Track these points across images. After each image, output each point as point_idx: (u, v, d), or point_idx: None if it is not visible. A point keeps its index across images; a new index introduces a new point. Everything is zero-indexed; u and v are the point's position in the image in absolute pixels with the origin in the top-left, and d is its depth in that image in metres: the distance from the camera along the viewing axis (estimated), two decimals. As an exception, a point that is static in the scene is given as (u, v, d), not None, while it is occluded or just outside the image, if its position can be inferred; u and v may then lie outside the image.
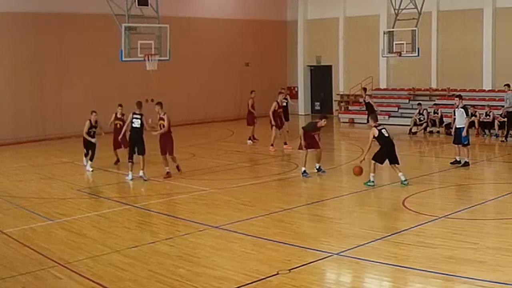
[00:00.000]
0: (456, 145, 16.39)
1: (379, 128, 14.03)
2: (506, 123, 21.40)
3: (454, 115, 16.50)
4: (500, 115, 22.25)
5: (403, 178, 13.82)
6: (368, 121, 15.36)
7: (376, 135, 13.92)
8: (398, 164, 13.99)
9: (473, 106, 23.24)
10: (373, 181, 13.93)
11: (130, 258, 9.14)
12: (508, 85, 21.25)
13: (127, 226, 11.15)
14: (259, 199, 13.14)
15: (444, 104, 24.94)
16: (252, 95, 22.29)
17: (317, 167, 15.75)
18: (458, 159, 16.31)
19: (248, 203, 12.79)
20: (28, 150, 21.80)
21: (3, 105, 23.30)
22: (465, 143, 16.15)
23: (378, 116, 27.23)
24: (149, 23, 19.36)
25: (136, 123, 15.24)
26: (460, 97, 16.84)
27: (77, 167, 17.79)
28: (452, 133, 16.87)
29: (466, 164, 16.17)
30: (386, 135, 14.06)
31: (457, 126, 16.25)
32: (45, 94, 24.37)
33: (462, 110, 16.21)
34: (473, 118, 22.63)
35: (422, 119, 24.16)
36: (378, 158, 14.01)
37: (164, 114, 15.46)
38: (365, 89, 24.54)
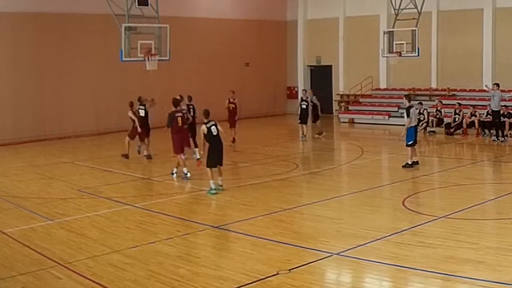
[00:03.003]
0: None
1: (208, 125, 13.36)
2: (494, 122, 21.26)
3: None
4: (487, 114, 22.15)
5: (213, 186, 13.32)
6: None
7: (205, 133, 13.31)
8: (221, 165, 13.47)
9: (473, 106, 23.30)
10: (215, 189, 13.40)
11: (130, 258, 9.14)
12: (497, 85, 21.18)
13: (127, 226, 11.15)
14: (259, 199, 13.12)
15: (444, 104, 24.92)
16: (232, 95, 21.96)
17: (185, 172, 14.48)
18: (409, 162, 15.90)
19: (248, 203, 12.77)
20: (28, 150, 21.79)
21: (3, 105, 23.30)
22: (409, 143, 15.83)
23: (378, 116, 27.84)
24: (149, 23, 19.36)
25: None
26: (406, 97, 16.50)
27: (77, 167, 17.79)
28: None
29: (408, 165, 15.82)
30: (215, 133, 13.40)
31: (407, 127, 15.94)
32: (45, 94, 24.37)
33: (404, 111, 15.98)
34: (473, 118, 22.73)
35: (422, 118, 24.12)
36: (209, 163, 13.33)
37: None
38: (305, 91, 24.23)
